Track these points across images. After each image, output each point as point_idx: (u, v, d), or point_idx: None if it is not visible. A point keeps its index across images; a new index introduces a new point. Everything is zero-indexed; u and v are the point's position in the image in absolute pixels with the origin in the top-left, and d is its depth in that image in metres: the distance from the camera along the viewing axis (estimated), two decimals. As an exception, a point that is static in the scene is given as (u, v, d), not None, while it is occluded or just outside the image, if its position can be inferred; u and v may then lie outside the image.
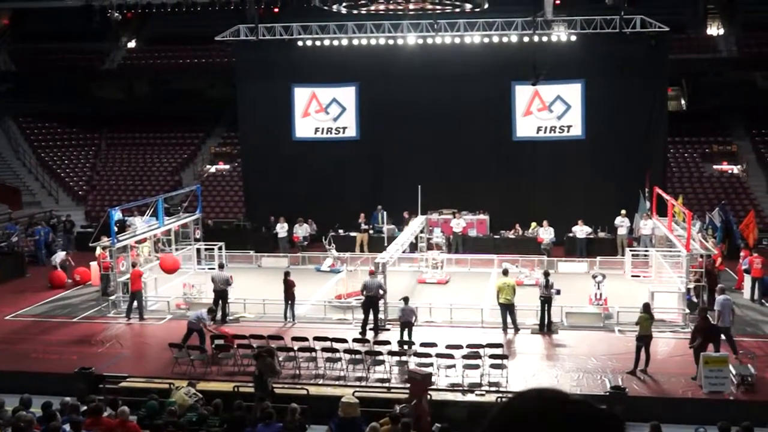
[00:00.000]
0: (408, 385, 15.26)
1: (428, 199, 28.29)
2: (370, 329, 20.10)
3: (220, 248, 27.72)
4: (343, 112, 31.95)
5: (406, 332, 18.79)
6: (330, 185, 31.47)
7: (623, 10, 28.57)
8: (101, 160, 40.92)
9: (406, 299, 19.25)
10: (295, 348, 17.71)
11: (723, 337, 17.77)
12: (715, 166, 35.56)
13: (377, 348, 18.08)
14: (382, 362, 17.39)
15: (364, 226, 29.99)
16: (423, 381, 14.72)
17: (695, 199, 32.51)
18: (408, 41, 30.38)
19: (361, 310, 20.42)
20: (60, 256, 27.11)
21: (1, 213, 34.38)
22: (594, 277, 22.31)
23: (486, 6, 27.16)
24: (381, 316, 20.44)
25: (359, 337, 19.16)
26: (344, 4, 27.09)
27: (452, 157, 30.73)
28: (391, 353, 17.62)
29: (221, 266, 23.21)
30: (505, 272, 21.05)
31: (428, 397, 14.80)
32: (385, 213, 29.25)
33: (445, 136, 30.80)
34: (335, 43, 30.75)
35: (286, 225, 29.78)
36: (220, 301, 21.43)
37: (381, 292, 20.23)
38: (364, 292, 20.31)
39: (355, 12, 28.79)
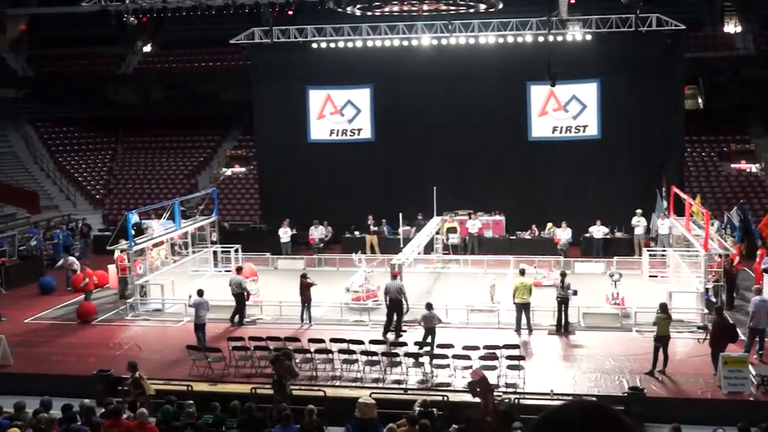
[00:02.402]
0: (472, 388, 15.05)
1: (444, 200, 28.28)
2: (392, 331, 20.10)
3: (236, 251, 27.80)
4: (358, 114, 31.97)
5: (429, 338, 18.73)
6: (345, 187, 31.48)
7: (639, 9, 28.41)
8: (118, 163, 41.16)
9: (429, 305, 19.12)
10: (312, 350, 17.75)
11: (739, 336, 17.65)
12: (733, 165, 35.29)
13: (394, 350, 18.07)
14: (399, 363, 17.39)
15: (373, 228, 29.98)
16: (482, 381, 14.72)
17: (713, 198, 32.28)
18: (422, 42, 30.36)
19: (386, 312, 20.34)
20: (68, 260, 27.19)
21: (19, 217, 34.66)
22: (611, 275, 22.22)
23: (500, 6, 27.11)
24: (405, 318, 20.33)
25: (381, 338, 19.28)
26: (358, 5, 27.12)
27: (467, 157, 30.68)
28: (408, 355, 17.61)
29: (239, 269, 23.04)
30: (522, 272, 20.95)
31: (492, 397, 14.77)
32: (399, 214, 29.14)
33: (460, 136, 30.76)
34: (350, 44, 30.76)
35: (289, 230, 29.73)
36: (238, 304, 21.53)
37: (401, 295, 20.04)
38: (388, 296, 20.25)
39: (369, 14, 28.83)
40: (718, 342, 16.89)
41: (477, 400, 14.38)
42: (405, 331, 20.05)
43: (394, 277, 20.49)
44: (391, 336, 19.82)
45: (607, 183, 29.75)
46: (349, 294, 23.58)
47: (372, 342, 18.23)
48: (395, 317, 20.07)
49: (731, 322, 17.89)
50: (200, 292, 19.91)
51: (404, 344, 18.49)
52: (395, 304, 20.02)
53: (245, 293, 21.60)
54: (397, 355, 17.56)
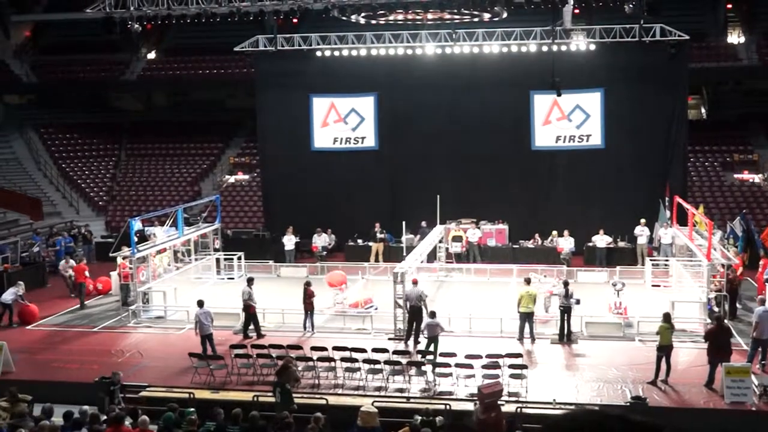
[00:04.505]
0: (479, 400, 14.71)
1: (447, 208, 28.26)
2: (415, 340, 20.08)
3: (239, 258, 27.79)
4: (362, 122, 31.99)
5: (432, 346, 18.69)
6: (349, 195, 31.50)
7: (643, 19, 28.40)
8: (121, 170, 41.23)
9: (432, 314, 19.12)
10: (315, 357, 17.73)
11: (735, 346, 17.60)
12: (736, 175, 35.29)
13: (396, 358, 18.05)
14: (402, 372, 17.36)
15: (379, 236, 29.97)
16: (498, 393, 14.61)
17: (716, 208, 32.29)
18: (426, 51, 30.40)
19: (407, 320, 20.35)
20: (69, 262, 27.13)
21: (22, 223, 34.70)
22: (614, 285, 22.19)
23: (504, 15, 27.15)
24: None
25: (405, 346, 19.50)
26: (363, 14, 27.21)
27: (471, 166, 30.68)
28: (411, 363, 17.59)
29: (249, 280, 21.90)
30: (527, 281, 20.91)
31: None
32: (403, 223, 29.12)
33: (463, 145, 30.76)
34: (354, 53, 30.82)
35: (293, 237, 29.73)
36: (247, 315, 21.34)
37: (421, 302, 20.03)
38: (408, 303, 20.24)
39: (373, 22, 28.91)
40: (714, 352, 16.85)
41: (479, 407, 14.37)
42: (420, 341, 19.85)
43: (414, 284, 20.50)
44: (412, 344, 19.82)
45: (610, 192, 29.73)
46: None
47: (374, 350, 18.21)
48: (415, 324, 20.06)
49: (732, 334, 17.85)
50: (200, 303, 19.84)
51: (407, 353, 18.46)
52: (415, 311, 20.05)
53: (251, 305, 21.37)
54: (400, 363, 17.54)
